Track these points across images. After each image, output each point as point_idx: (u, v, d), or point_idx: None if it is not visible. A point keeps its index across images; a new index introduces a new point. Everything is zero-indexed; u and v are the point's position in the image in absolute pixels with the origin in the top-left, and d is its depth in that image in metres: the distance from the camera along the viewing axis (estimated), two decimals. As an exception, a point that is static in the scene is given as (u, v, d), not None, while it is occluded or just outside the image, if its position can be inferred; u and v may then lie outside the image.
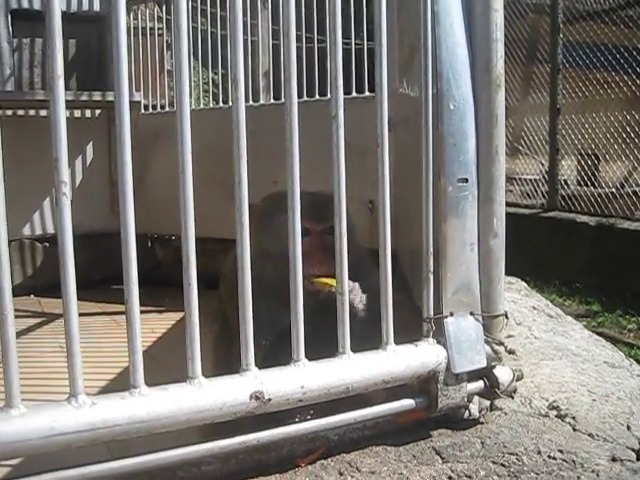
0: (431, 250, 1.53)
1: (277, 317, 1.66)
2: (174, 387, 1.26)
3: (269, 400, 1.31)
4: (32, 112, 4.57)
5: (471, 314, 1.57)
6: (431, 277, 1.53)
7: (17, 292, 1.13)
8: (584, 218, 5.91)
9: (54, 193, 1.16)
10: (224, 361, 1.85)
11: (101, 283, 4.42)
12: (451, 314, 1.55)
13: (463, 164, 1.53)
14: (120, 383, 1.27)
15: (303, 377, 1.35)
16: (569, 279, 5.60)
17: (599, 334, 3.16)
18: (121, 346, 1.29)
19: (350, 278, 1.44)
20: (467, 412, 1.62)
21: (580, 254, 5.71)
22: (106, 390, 2.41)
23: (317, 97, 3.94)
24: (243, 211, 1.29)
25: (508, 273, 2.63)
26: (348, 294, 1.43)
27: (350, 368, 1.41)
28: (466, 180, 1.53)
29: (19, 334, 1.13)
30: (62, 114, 1.14)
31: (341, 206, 1.40)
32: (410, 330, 1.58)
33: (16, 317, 1.16)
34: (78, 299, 1.19)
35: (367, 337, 1.53)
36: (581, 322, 3.82)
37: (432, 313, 1.54)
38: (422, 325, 1.54)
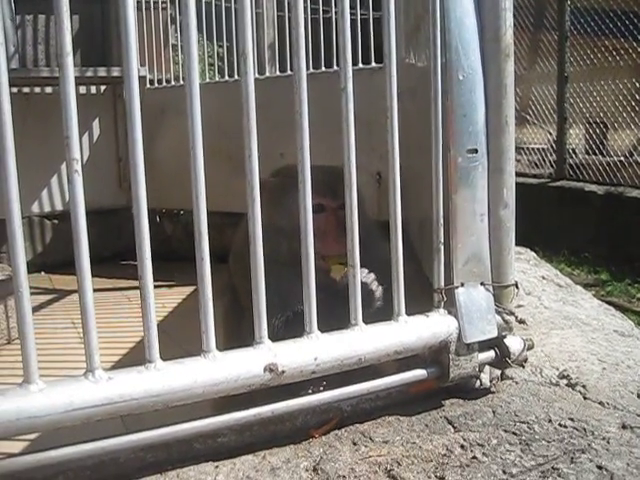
0: (441, 221, 1.53)
1: (289, 296, 1.66)
2: (189, 361, 1.27)
3: (283, 372, 1.32)
4: (37, 89, 4.57)
5: (482, 284, 1.58)
6: (442, 248, 1.53)
7: (28, 269, 1.14)
8: (592, 187, 5.89)
9: (65, 170, 1.17)
10: (234, 334, 1.87)
11: (110, 259, 4.46)
12: (462, 284, 1.55)
13: (473, 135, 1.52)
14: (134, 358, 1.29)
15: (316, 349, 1.37)
16: (578, 248, 5.60)
17: (608, 303, 3.17)
18: (133, 321, 1.30)
19: (360, 251, 1.45)
20: (478, 382, 1.63)
21: (588, 223, 5.71)
22: (120, 365, 2.44)
23: (323, 69, 3.92)
24: (254, 185, 1.29)
25: (517, 243, 2.63)
26: (359, 269, 1.43)
27: (362, 339, 1.42)
28: (476, 151, 1.52)
29: (32, 311, 1.15)
30: (72, 92, 1.14)
31: (351, 179, 1.40)
32: (420, 301, 1.59)
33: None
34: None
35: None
36: (590, 291, 3.83)
37: (443, 284, 1.55)
38: (433, 296, 1.55)
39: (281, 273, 1.68)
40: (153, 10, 4.67)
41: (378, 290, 1.80)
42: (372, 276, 1.81)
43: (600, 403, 1.59)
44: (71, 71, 1.15)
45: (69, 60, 1.14)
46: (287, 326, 1.66)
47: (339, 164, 1.43)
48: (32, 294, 1.17)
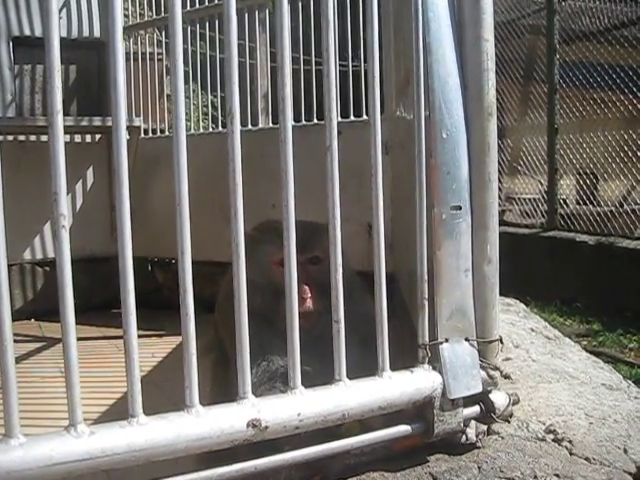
0: (426, 277, 1.55)
1: (268, 345, 1.67)
2: (172, 415, 1.27)
3: (266, 428, 1.32)
4: (33, 138, 4.61)
5: (466, 340, 1.59)
6: (426, 304, 1.55)
7: (17, 316, 1.15)
8: (584, 237, 5.92)
9: (52, 226, 1.18)
10: (222, 388, 1.86)
11: (101, 307, 4.44)
12: (446, 340, 1.56)
13: (456, 192, 1.55)
14: (120, 409, 1.29)
15: (300, 404, 1.37)
16: (569, 298, 5.61)
17: (600, 353, 3.17)
18: (121, 371, 1.30)
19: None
20: (464, 437, 1.63)
21: (580, 273, 5.72)
22: (106, 415, 2.42)
23: (315, 121, 3.97)
24: (239, 242, 1.30)
25: (507, 294, 2.65)
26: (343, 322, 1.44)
27: (346, 395, 1.42)
28: (460, 207, 1.55)
29: (19, 359, 1.14)
30: (61, 149, 1.17)
31: (336, 235, 1.42)
32: (409, 356, 1.59)
33: (16, 342, 1.17)
34: (78, 323, 1.21)
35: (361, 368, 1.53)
36: (582, 341, 3.83)
37: (427, 339, 1.55)
38: (417, 351, 1.56)
39: (259, 325, 1.68)
40: (149, 61, 4.75)
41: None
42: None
43: (586, 459, 1.58)
44: (61, 129, 1.17)
45: (59, 118, 1.17)
46: (266, 374, 1.67)
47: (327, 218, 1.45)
48: (21, 342, 1.17)
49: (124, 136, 1.24)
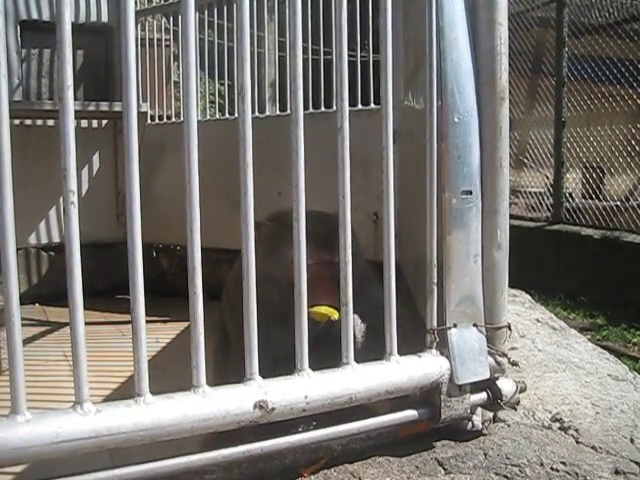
0: (435, 262, 1.54)
1: (277, 345, 1.65)
2: (179, 395, 1.27)
3: (273, 409, 1.32)
4: (39, 122, 4.60)
5: (474, 325, 1.58)
6: (435, 289, 1.54)
7: (22, 300, 1.14)
8: (589, 231, 5.90)
9: (62, 202, 1.17)
10: (221, 370, 1.86)
11: (106, 292, 4.44)
12: (454, 325, 1.55)
13: (467, 176, 1.54)
14: (125, 392, 1.28)
15: (307, 387, 1.36)
16: (574, 292, 5.59)
17: (603, 347, 3.16)
18: (126, 355, 1.30)
19: (354, 293, 1.45)
20: (470, 423, 1.62)
21: (585, 267, 5.71)
22: (111, 399, 2.42)
23: (323, 109, 3.96)
24: (249, 222, 1.30)
25: (513, 286, 2.64)
26: (352, 305, 1.43)
27: (354, 378, 1.42)
28: (470, 192, 1.54)
29: (24, 342, 1.14)
30: (71, 124, 1.16)
31: (346, 218, 1.41)
32: (413, 344, 1.58)
33: (21, 325, 1.16)
34: (83, 308, 1.20)
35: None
36: (585, 335, 3.81)
37: (435, 324, 1.55)
38: (425, 336, 1.55)
39: (272, 321, 1.66)
40: (156, 47, 4.73)
41: (360, 328, 1.78)
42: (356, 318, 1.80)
43: (593, 447, 1.58)
44: (71, 104, 1.16)
45: (69, 93, 1.16)
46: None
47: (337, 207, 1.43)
48: (25, 326, 1.17)
49: (135, 120, 1.23)
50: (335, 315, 1.72)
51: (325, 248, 1.79)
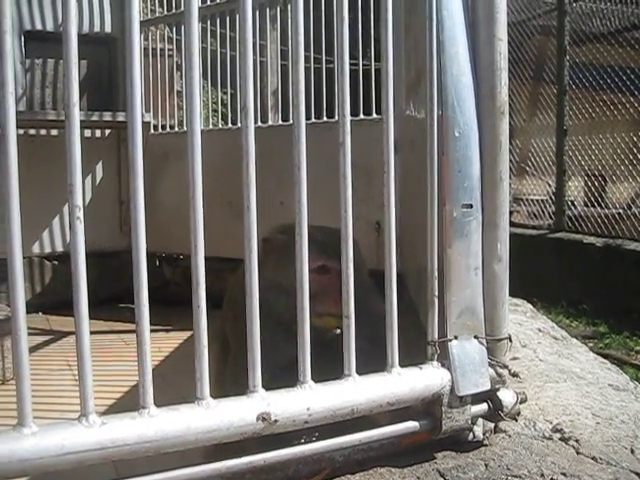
0: (436, 274, 1.55)
1: (282, 353, 1.67)
2: (183, 407, 1.28)
3: (276, 421, 1.33)
4: (43, 132, 4.64)
5: (475, 337, 1.59)
6: (436, 301, 1.55)
7: (25, 309, 1.16)
8: (591, 239, 5.91)
9: (68, 212, 1.19)
10: (220, 381, 1.88)
11: (109, 301, 4.46)
12: (455, 337, 1.56)
13: (468, 190, 1.55)
14: (128, 402, 1.30)
15: (309, 399, 1.37)
16: (576, 300, 5.60)
17: (606, 356, 3.17)
18: (129, 365, 1.31)
19: (356, 306, 1.46)
20: (471, 434, 1.63)
21: (587, 275, 5.72)
22: (114, 409, 2.43)
23: (325, 119, 3.98)
24: (251, 235, 1.31)
25: (514, 294, 2.66)
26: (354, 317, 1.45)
27: (355, 390, 1.43)
28: (471, 206, 1.55)
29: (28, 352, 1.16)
30: (77, 140, 1.17)
31: (348, 232, 1.43)
32: (416, 355, 1.60)
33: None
34: (87, 317, 1.22)
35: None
36: (588, 344, 3.82)
37: (437, 336, 1.56)
38: (427, 348, 1.56)
39: (277, 329, 1.68)
40: (159, 57, 4.77)
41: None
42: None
43: (593, 458, 1.58)
44: (77, 121, 1.18)
45: (75, 111, 1.18)
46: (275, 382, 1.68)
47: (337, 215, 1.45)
48: (29, 335, 1.18)
49: (140, 132, 1.24)
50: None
51: (334, 257, 1.81)
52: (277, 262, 1.85)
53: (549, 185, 6.74)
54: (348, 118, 1.43)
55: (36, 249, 4.67)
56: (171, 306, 3.85)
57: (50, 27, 4.67)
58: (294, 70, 1.39)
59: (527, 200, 6.95)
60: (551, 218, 6.55)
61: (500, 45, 1.57)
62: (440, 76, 1.55)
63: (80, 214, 1.18)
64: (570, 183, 6.54)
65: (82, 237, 1.19)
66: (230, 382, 1.76)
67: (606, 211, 6.23)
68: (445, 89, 1.55)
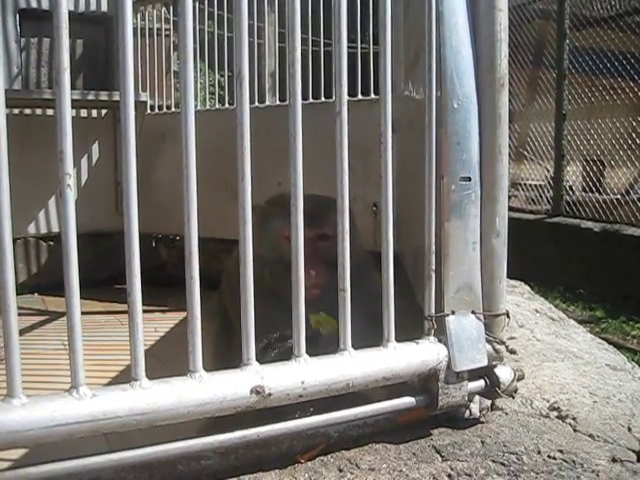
0: (433, 249, 1.53)
1: (273, 322, 1.65)
2: (175, 380, 1.27)
3: (269, 395, 1.31)
4: (39, 111, 4.59)
5: (472, 313, 1.57)
6: (433, 275, 1.53)
7: (21, 290, 1.14)
8: (589, 224, 5.90)
9: (59, 186, 1.17)
10: (224, 356, 1.86)
11: (105, 282, 4.44)
12: (452, 312, 1.55)
13: (466, 163, 1.53)
14: (122, 380, 1.28)
15: (304, 372, 1.36)
16: (573, 285, 5.60)
17: (602, 340, 3.15)
18: (123, 344, 1.29)
19: (351, 280, 1.44)
20: (468, 411, 1.62)
21: (584, 260, 5.71)
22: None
23: (323, 99, 3.95)
24: (246, 207, 1.29)
25: (512, 277, 2.65)
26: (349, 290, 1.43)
27: (351, 364, 1.41)
28: (469, 179, 1.53)
29: (23, 332, 1.14)
30: (67, 107, 1.15)
31: (344, 204, 1.40)
32: (412, 335, 1.58)
33: (20, 315, 1.16)
34: (82, 298, 1.20)
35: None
36: (584, 328, 3.81)
37: (434, 311, 1.54)
38: (423, 323, 1.54)
39: (267, 298, 1.66)
40: (156, 37, 4.72)
41: None
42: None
43: (590, 436, 1.58)
44: (67, 87, 1.16)
45: (66, 76, 1.15)
46: (268, 350, 1.66)
47: (334, 194, 1.43)
48: (24, 315, 1.17)
49: (132, 108, 1.22)
50: (327, 325, 1.74)
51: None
52: (257, 233, 1.83)
53: (547, 170, 6.72)
54: (345, 88, 1.40)
55: (32, 230, 4.63)
56: (168, 287, 3.83)
57: (45, 5, 4.61)
58: (290, 40, 1.36)
59: (525, 185, 6.93)
60: (549, 203, 6.53)
61: (500, 16, 1.54)
62: (439, 48, 1.53)
63: (70, 182, 1.16)
64: (568, 168, 6.52)
65: (72, 205, 1.17)
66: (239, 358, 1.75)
67: (604, 196, 6.22)
68: (444, 61, 1.52)
